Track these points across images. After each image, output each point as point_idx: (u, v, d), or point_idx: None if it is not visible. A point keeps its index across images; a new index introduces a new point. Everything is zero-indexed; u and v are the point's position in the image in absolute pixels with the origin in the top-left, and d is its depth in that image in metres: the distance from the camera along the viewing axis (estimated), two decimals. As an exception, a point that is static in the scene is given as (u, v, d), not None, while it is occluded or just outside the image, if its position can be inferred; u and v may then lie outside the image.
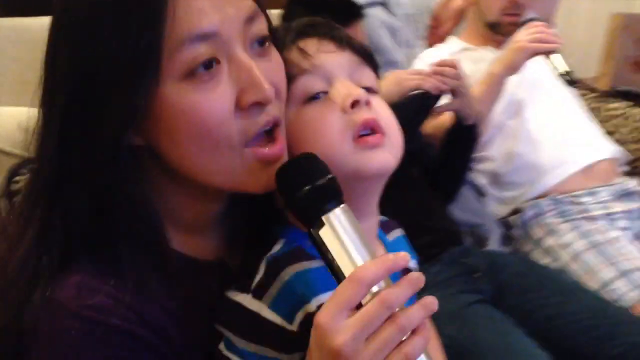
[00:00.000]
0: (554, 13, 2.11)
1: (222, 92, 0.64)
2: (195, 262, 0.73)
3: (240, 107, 0.64)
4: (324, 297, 0.65)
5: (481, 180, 1.77)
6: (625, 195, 1.67)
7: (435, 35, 2.09)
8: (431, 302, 0.55)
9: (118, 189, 0.65)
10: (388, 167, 0.72)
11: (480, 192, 1.77)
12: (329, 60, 0.74)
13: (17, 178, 0.96)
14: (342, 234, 0.58)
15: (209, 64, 0.63)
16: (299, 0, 1.55)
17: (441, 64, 1.41)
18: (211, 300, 0.71)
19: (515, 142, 1.72)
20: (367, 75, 0.77)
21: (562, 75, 1.63)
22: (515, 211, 1.70)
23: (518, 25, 1.74)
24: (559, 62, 1.62)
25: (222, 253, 0.77)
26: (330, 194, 0.60)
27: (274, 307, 0.66)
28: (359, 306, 0.54)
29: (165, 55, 0.61)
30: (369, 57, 0.79)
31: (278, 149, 0.68)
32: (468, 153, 1.55)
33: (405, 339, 0.54)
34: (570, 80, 1.64)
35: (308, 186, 0.60)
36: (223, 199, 0.75)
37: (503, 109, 1.74)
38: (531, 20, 1.69)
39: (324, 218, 0.58)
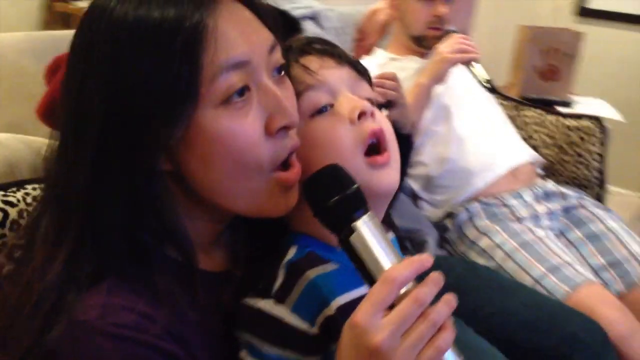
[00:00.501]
0: (470, 26, 2.24)
1: (253, 117, 0.66)
2: (207, 275, 0.74)
3: (269, 132, 0.68)
4: (341, 299, 0.69)
5: (414, 185, 1.84)
6: (546, 196, 1.79)
7: (361, 47, 2.15)
8: (453, 299, 0.59)
9: (151, 212, 0.65)
10: (395, 186, 0.77)
11: (415, 197, 1.85)
12: (332, 76, 0.78)
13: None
14: (371, 239, 0.61)
15: (242, 91, 0.65)
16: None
17: (382, 76, 1.46)
18: (226, 309, 0.72)
19: (445, 148, 1.81)
20: (365, 88, 0.81)
21: (483, 83, 1.74)
22: (449, 215, 1.79)
23: (440, 37, 1.84)
24: (479, 71, 1.74)
25: (226, 263, 0.78)
26: (358, 202, 0.63)
27: (296, 310, 0.69)
28: (391, 306, 0.57)
29: (203, 84, 0.63)
30: (364, 71, 0.83)
31: (296, 173, 0.71)
32: (405, 161, 1.60)
33: (435, 334, 0.58)
34: (491, 87, 1.77)
35: (338, 196, 0.63)
36: (231, 217, 0.76)
37: (433, 116, 1.82)
38: (451, 32, 1.80)
39: (353, 225, 0.61)
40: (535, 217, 1.72)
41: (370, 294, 0.58)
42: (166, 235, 0.67)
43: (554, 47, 2.54)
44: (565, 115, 2.04)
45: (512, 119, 2.05)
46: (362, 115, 0.75)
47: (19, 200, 0.90)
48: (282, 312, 0.69)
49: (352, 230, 0.61)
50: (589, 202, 1.81)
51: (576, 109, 2.35)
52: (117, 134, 0.63)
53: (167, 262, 0.68)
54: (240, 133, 0.65)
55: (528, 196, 1.76)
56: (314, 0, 2.15)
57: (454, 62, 1.71)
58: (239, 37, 0.65)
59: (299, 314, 0.69)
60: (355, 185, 0.64)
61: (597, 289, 1.48)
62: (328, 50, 0.80)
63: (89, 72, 0.64)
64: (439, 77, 1.72)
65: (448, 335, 0.58)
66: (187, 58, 0.62)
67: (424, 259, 0.60)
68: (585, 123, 1.94)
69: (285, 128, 0.69)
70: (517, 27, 2.57)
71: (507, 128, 1.93)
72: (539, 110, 2.07)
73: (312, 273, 0.70)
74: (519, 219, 1.69)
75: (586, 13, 3.22)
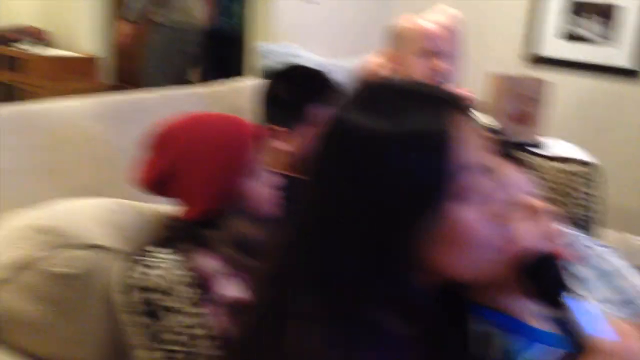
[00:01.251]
0: (460, 75, 2.38)
1: (482, 207, 0.76)
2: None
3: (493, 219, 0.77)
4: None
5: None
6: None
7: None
8: None
9: (400, 295, 0.76)
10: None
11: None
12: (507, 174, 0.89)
13: (131, 273, 0.98)
14: (581, 310, 0.74)
15: (475, 186, 0.75)
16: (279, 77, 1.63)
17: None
18: None
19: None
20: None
21: (489, 129, 1.87)
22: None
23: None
24: (481, 119, 1.86)
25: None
26: (568, 284, 0.77)
27: None
28: None
29: (451, 183, 0.72)
30: (521, 162, 0.91)
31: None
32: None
33: None
34: (497, 130, 1.89)
35: (557, 279, 0.77)
36: None
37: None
38: (445, 83, 1.92)
39: (567, 302, 0.75)
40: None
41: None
42: (407, 312, 0.76)
43: (523, 93, 2.73)
44: (557, 159, 2.18)
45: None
46: (541, 214, 0.87)
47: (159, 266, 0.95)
48: None
49: (564, 304, 0.75)
50: (592, 242, 1.93)
51: (549, 151, 2.52)
52: (378, 232, 0.73)
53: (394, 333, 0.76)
54: (477, 220, 0.75)
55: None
56: (313, 55, 2.22)
57: None
58: (469, 140, 0.75)
59: None
60: (564, 272, 0.78)
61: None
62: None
63: (348, 179, 0.73)
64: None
65: None
66: (440, 163, 0.72)
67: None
68: (580, 168, 2.09)
69: (503, 217, 0.79)
70: (489, 76, 2.74)
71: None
72: (535, 156, 2.21)
73: (508, 343, 0.84)
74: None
75: (538, 61, 3.48)
